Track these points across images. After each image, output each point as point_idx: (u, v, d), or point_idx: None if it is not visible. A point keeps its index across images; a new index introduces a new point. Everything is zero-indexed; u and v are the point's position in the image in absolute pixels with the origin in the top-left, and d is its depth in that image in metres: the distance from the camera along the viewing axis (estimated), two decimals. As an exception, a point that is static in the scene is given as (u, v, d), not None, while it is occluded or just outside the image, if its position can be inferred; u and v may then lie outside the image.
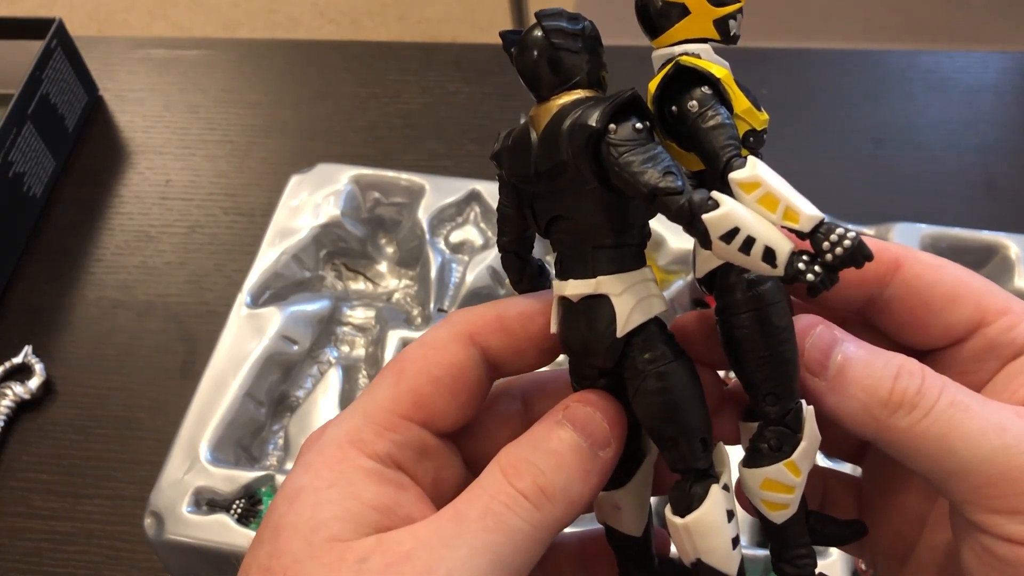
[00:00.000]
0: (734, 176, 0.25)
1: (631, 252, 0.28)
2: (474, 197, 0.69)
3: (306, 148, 0.79)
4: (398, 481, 0.28)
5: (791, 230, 0.24)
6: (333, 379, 0.62)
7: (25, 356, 0.66)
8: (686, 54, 0.28)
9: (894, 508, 0.32)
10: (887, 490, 0.33)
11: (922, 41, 1.15)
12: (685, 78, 0.27)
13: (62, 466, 0.62)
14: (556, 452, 0.27)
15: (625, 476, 0.30)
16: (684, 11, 0.28)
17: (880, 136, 0.75)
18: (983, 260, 0.63)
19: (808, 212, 0.24)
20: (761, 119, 0.28)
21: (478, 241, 0.69)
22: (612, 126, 0.26)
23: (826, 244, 0.24)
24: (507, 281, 0.57)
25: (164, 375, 0.66)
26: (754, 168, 0.25)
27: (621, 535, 0.31)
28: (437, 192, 0.68)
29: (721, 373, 0.31)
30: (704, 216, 0.24)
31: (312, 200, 0.68)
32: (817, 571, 0.30)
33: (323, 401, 0.61)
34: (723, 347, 0.29)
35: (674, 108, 0.27)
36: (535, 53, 0.28)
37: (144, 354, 0.67)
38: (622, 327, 0.28)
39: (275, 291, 0.65)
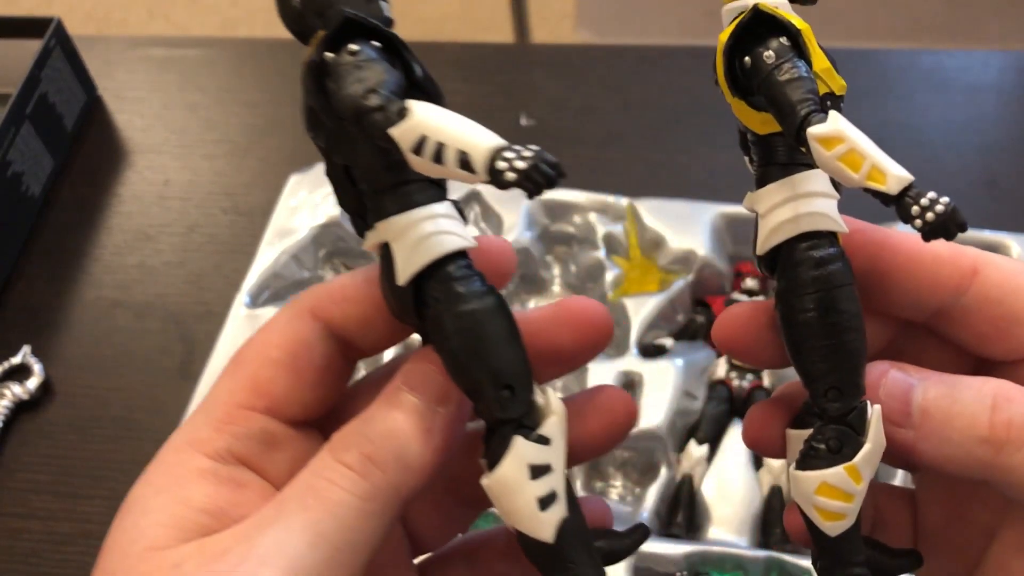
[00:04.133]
0: (813, 131, 0.22)
1: (413, 188, 0.25)
2: (474, 197, 0.69)
3: (305, 147, 0.78)
4: (237, 479, 0.26)
5: (876, 192, 0.22)
6: (332, 379, 0.62)
7: (23, 356, 0.66)
8: (762, 3, 0.25)
9: (956, 522, 0.29)
10: (948, 501, 0.30)
11: (923, 40, 1.15)
12: (761, 29, 0.25)
13: (61, 467, 0.62)
14: (387, 417, 0.25)
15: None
16: None
17: (881, 135, 0.74)
18: (984, 260, 0.63)
19: (896, 172, 0.22)
20: (840, 83, 0.25)
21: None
22: (329, 55, 0.24)
23: (915, 208, 0.21)
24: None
25: (163, 375, 0.66)
26: (836, 122, 0.22)
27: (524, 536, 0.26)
28: (437, 192, 0.68)
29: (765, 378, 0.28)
30: (391, 130, 0.22)
31: (311, 199, 0.68)
32: None
33: (322, 401, 0.61)
34: (783, 334, 0.26)
35: (747, 59, 0.25)
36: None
37: (143, 354, 0.67)
38: (400, 273, 0.25)
39: (274, 291, 0.65)
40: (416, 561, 0.31)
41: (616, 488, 0.59)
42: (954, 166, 0.73)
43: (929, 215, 0.21)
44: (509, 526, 0.25)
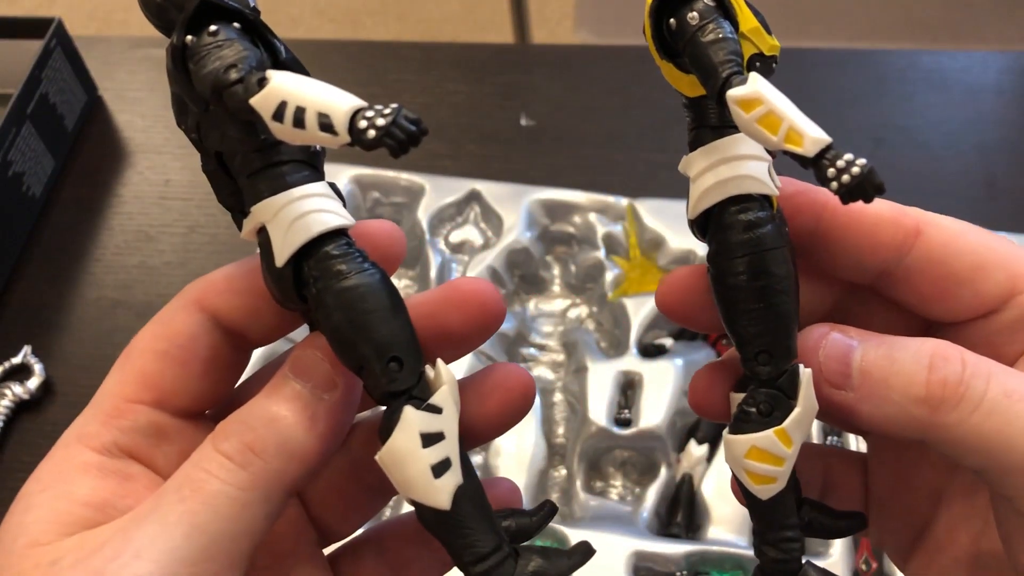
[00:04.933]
0: (732, 93, 0.22)
1: (286, 169, 0.25)
2: (474, 197, 0.69)
3: (306, 148, 0.78)
4: (124, 472, 0.26)
5: (794, 155, 0.22)
6: (333, 379, 0.62)
7: (24, 356, 0.66)
8: None
9: (906, 484, 0.30)
10: (897, 464, 0.30)
11: (923, 41, 1.15)
12: None
13: (61, 466, 0.62)
14: (271, 406, 0.25)
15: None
16: None
17: (880, 136, 0.75)
18: (984, 260, 0.63)
19: (813, 134, 0.21)
20: (770, 44, 0.25)
21: (478, 241, 0.69)
22: (190, 38, 0.24)
23: (831, 171, 0.21)
24: (508, 282, 0.56)
25: (163, 375, 0.66)
26: (755, 84, 0.22)
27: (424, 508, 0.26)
28: (437, 192, 0.68)
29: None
30: (251, 100, 0.22)
31: (312, 200, 0.68)
32: (804, 559, 0.27)
33: (323, 401, 0.61)
34: (715, 298, 0.26)
35: (672, 21, 0.24)
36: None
37: (143, 354, 0.67)
38: (279, 255, 0.25)
39: (275, 291, 0.65)
40: (327, 551, 0.31)
41: (616, 488, 0.59)
42: (954, 166, 0.73)
43: (845, 177, 0.21)
44: (406, 499, 0.25)
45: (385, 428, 0.25)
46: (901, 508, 0.30)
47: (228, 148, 0.25)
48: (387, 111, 0.21)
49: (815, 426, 0.57)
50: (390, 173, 0.69)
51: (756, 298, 0.25)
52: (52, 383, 0.66)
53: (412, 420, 0.24)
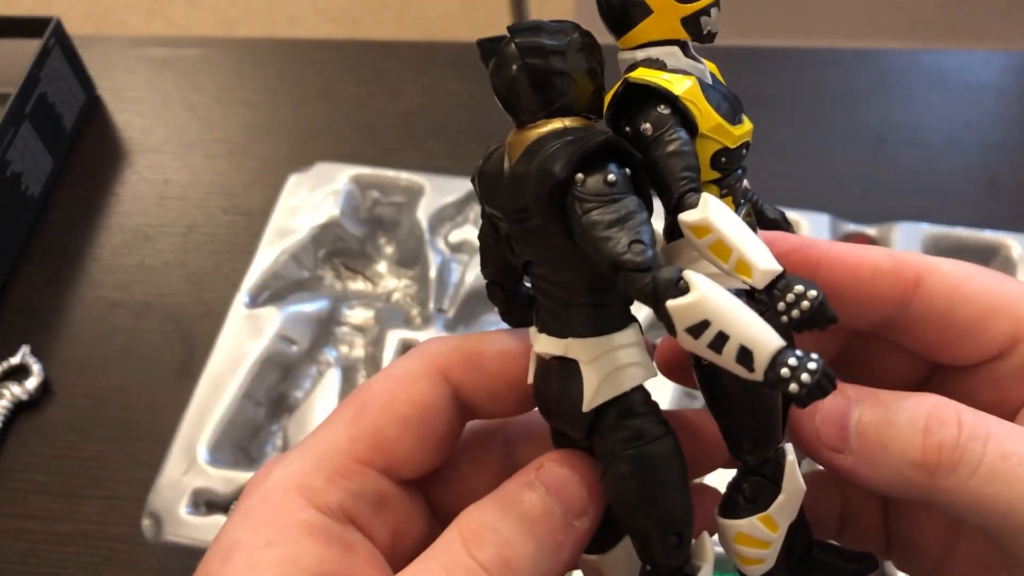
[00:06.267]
0: (684, 218, 0.22)
1: (611, 312, 0.25)
2: (474, 197, 0.69)
3: (305, 147, 0.78)
4: (347, 540, 0.24)
5: (745, 282, 0.21)
6: (332, 379, 0.62)
7: (22, 356, 0.66)
8: (648, 60, 0.24)
9: (925, 515, 0.29)
10: None
11: (924, 40, 1.15)
12: (642, 94, 0.24)
13: (60, 467, 0.62)
14: (525, 518, 0.24)
15: (610, 541, 0.26)
16: (646, 10, 0.24)
17: (882, 135, 0.75)
18: (985, 260, 0.63)
19: (763, 266, 0.21)
20: (736, 135, 0.24)
21: (478, 241, 0.68)
22: (580, 176, 0.22)
23: (782, 304, 0.21)
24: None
25: (162, 375, 0.66)
26: (705, 210, 0.22)
27: None
28: (436, 192, 0.68)
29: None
30: (668, 303, 0.21)
31: (311, 200, 0.68)
32: None
33: (322, 402, 0.61)
34: (700, 388, 0.26)
35: (628, 129, 0.24)
36: (512, 69, 0.24)
37: (142, 354, 0.67)
38: (588, 401, 0.24)
39: (274, 291, 0.65)
40: None
41: (616, 488, 0.59)
42: (955, 166, 0.73)
43: (795, 312, 0.21)
44: None
45: None
46: (920, 539, 0.30)
47: (554, 273, 0.24)
48: (812, 366, 0.20)
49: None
50: (390, 173, 0.69)
51: (738, 392, 0.25)
52: (50, 383, 0.66)
53: None
